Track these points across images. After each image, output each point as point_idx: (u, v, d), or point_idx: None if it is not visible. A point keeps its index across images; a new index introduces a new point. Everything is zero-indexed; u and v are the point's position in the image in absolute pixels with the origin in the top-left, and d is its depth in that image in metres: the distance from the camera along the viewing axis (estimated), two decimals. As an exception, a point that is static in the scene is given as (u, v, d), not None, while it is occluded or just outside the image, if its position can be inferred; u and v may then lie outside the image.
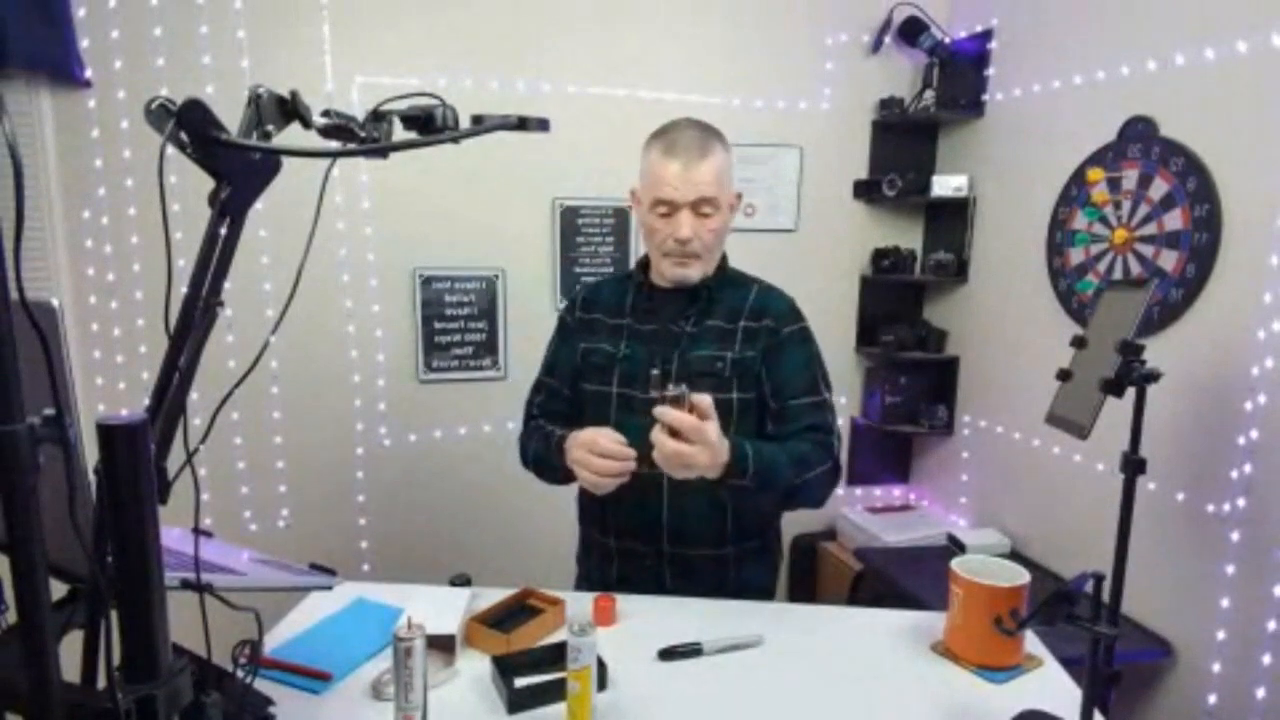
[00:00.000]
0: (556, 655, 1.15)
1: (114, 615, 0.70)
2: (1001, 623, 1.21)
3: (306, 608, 1.43)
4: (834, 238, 3.07)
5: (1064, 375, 1.88)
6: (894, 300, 3.17)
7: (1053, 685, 1.25)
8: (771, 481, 1.35)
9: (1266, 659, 1.86)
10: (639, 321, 1.54)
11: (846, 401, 3.18)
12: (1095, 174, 2.33)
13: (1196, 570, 2.02)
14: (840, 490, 3.10)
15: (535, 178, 2.75)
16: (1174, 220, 2.09)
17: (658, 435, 1.25)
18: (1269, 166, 1.83)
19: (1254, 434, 1.88)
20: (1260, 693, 1.87)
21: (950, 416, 3.04)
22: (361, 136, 0.97)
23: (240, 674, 0.93)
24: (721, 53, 2.87)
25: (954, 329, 3.05)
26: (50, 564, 0.62)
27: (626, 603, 1.44)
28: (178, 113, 0.82)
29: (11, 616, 0.69)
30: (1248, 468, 1.90)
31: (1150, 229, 2.17)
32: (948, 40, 2.91)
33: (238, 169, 0.87)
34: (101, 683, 0.74)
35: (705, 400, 1.25)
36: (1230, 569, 1.94)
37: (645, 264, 1.56)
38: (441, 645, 1.23)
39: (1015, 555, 2.60)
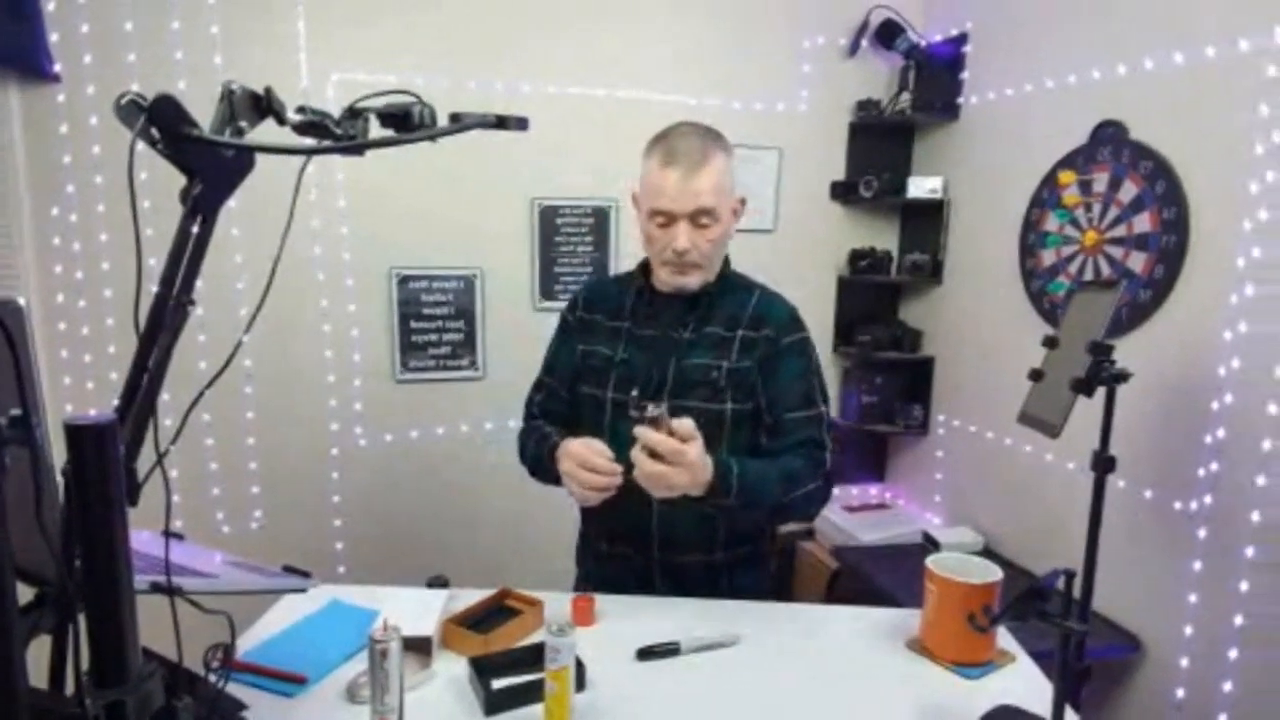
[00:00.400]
0: (535, 656, 1.14)
1: (82, 619, 0.69)
2: (975, 620, 1.22)
3: (281, 610, 1.41)
4: (812, 238, 3.10)
5: (1036, 375, 1.90)
6: (870, 301, 3.20)
7: (1025, 681, 1.27)
8: (757, 500, 1.35)
9: (1233, 654, 1.89)
10: (638, 326, 1.53)
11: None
12: (1067, 176, 2.37)
13: (1165, 567, 2.06)
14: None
15: (514, 177, 2.74)
16: (1143, 223, 2.13)
17: (637, 455, 1.26)
18: (1235, 170, 1.87)
19: (1220, 433, 1.92)
20: (1227, 686, 1.91)
21: (925, 416, 3.07)
22: (337, 134, 0.96)
23: (212, 678, 0.92)
24: (700, 54, 2.88)
25: (929, 329, 3.08)
26: (17, 567, 0.61)
27: (605, 603, 1.43)
28: (149, 108, 0.81)
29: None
30: (1214, 466, 1.94)
31: (1120, 231, 2.20)
32: (923, 44, 2.94)
33: (210, 166, 0.86)
34: (70, 688, 0.73)
35: (686, 424, 1.26)
36: (1197, 565, 1.98)
37: (646, 266, 1.54)
38: (418, 647, 1.23)
39: (989, 552, 2.64)
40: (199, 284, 0.89)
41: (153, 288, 0.87)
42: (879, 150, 3.09)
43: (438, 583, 1.50)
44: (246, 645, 1.28)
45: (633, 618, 1.40)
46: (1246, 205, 1.85)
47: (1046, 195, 2.46)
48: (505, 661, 1.23)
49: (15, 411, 0.61)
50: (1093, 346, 1.62)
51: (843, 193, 3.09)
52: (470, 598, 1.43)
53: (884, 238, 3.17)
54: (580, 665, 1.17)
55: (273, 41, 2.45)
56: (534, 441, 1.55)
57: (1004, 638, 1.37)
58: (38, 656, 0.78)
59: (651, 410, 1.24)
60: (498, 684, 1.16)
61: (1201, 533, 1.97)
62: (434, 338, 2.77)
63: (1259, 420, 1.82)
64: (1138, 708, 2.16)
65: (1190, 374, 1.99)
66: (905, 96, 2.95)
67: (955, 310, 2.94)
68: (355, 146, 0.95)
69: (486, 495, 2.86)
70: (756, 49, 2.93)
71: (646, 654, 1.29)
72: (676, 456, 1.23)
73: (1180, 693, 2.03)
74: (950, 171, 2.92)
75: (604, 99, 2.78)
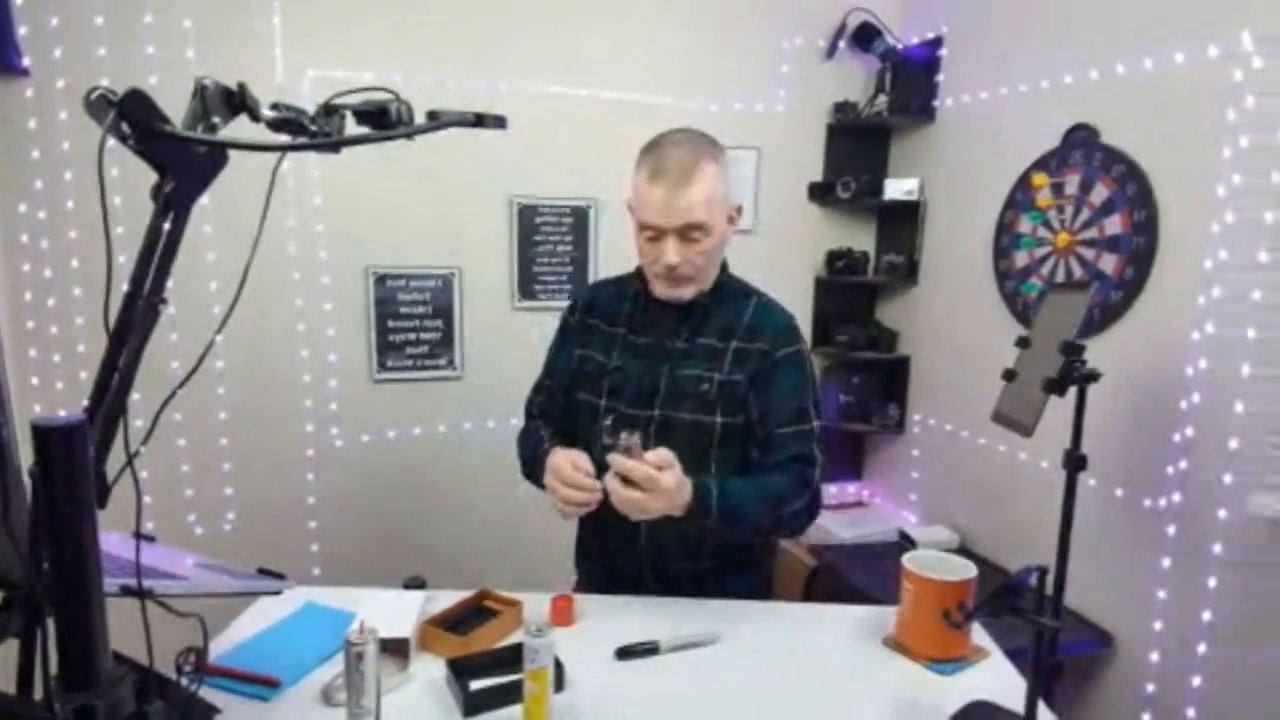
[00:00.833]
0: (513, 657, 1.14)
1: (51, 623, 0.68)
2: (950, 617, 1.24)
3: (255, 613, 1.40)
4: (790, 239, 3.11)
5: (1009, 375, 1.93)
6: (847, 301, 3.22)
7: (999, 676, 1.28)
8: (737, 520, 1.36)
9: (1201, 648, 1.93)
10: (634, 333, 1.52)
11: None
12: (1039, 179, 2.40)
13: (1135, 563, 2.10)
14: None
15: (492, 176, 2.73)
16: (1114, 225, 2.16)
17: (610, 482, 1.26)
18: (1204, 174, 1.91)
19: (1189, 431, 1.96)
20: (1196, 681, 1.95)
21: (901, 415, 3.10)
22: (313, 131, 0.95)
23: (184, 682, 0.90)
24: (680, 53, 2.88)
25: (905, 329, 3.11)
26: (-19, 571, 0.60)
27: (584, 603, 1.43)
28: (119, 103, 0.80)
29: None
30: (1183, 464, 1.97)
31: (1091, 233, 2.24)
32: (900, 46, 2.96)
33: (182, 162, 0.85)
34: (38, 693, 0.72)
35: (662, 453, 1.26)
36: (1166, 562, 2.02)
37: (643, 271, 1.52)
38: (395, 649, 1.22)
39: (964, 550, 2.67)
40: (171, 282, 0.87)
41: (124, 286, 0.86)
42: (856, 152, 3.12)
43: (415, 584, 1.49)
44: (220, 649, 1.26)
45: (612, 618, 1.40)
46: (1214, 208, 1.88)
47: (1020, 197, 2.49)
48: (483, 663, 1.22)
49: (-19, 412, 0.60)
50: (1064, 347, 1.64)
51: (820, 194, 3.11)
52: (448, 599, 1.42)
53: (861, 238, 3.19)
54: (559, 665, 1.17)
55: (247, 37, 2.42)
56: (530, 446, 1.55)
57: (978, 634, 1.38)
58: (5, 660, 0.77)
59: (624, 440, 1.26)
60: (476, 685, 1.16)
61: (1170, 530, 2.01)
62: (411, 337, 2.75)
63: (1226, 419, 1.86)
64: (1109, 702, 2.20)
65: (1159, 374, 2.03)
66: (882, 98, 2.97)
67: (931, 311, 2.97)
68: (331, 144, 0.94)
69: (464, 496, 2.84)
70: (735, 50, 2.94)
71: (625, 653, 1.29)
72: (650, 483, 1.24)
73: (1150, 687, 2.06)
74: (926, 173, 2.95)
75: (584, 98, 2.77)
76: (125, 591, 0.85)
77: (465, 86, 2.62)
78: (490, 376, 2.81)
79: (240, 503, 2.63)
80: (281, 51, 2.45)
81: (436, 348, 2.79)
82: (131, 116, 0.80)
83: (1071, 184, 2.29)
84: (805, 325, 3.16)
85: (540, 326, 2.67)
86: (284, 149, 0.90)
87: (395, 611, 1.31)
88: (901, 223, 3.06)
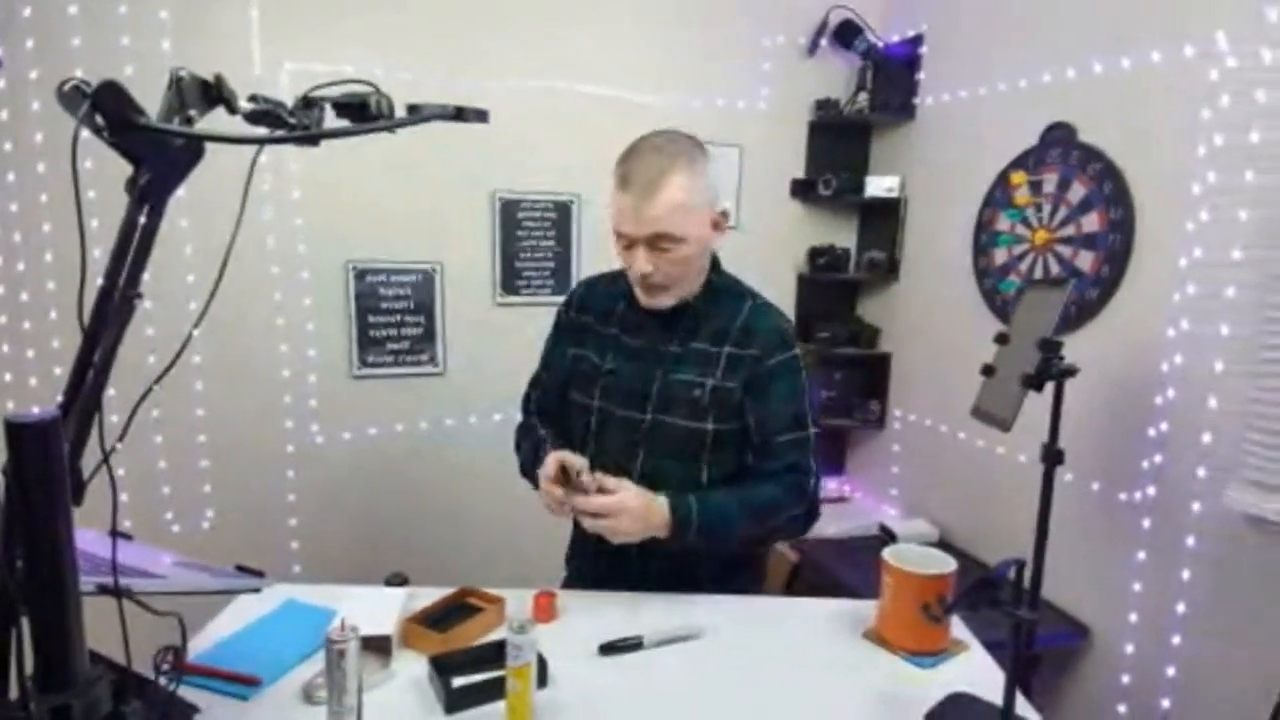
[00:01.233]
0: (496, 653, 1.14)
1: (25, 622, 0.67)
2: (929, 610, 1.25)
3: (234, 611, 1.38)
4: (772, 236, 3.12)
5: (988, 371, 1.95)
6: (830, 298, 3.24)
7: (978, 669, 1.30)
8: (722, 534, 1.38)
9: (1176, 639, 1.96)
10: (626, 334, 1.50)
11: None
12: (1018, 177, 2.42)
13: (1111, 557, 2.13)
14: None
15: (474, 171, 2.71)
16: (1091, 222, 2.19)
17: (580, 519, 1.33)
18: (1179, 172, 1.93)
19: (1164, 426, 1.99)
20: (1170, 671, 1.98)
21: (882, 411, 3.12)
22: (291, 124, 0.94)
23: (163, 681, 0.89)
24: (662, 50, 2.88)
25: (886, 326, 3.13)
26: (-47, 569, 0.59)
27: (567, 599, 1.43)
28: (93, 95, 0.78)
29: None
30: (1158, 458, 2.00)
31: (1069, 230, 2.26)
32: (881, 44, 2.98)
33: (157, 155, 0.83)
34: (13, 693, 0.71)
35: (607, 480, 1.32)
36: (1142, 555, 2.05)
37: None
38: (377, 646, 1.21)
39: (943, 544, 2.69)
40: (147, 276, 0.86)
41: (98, 280, 0.84)
42: (838, 149, 3.13)
43: (396, 581, 1.49)
44: (198, 648, 1.25)
45: (595, 613, 1.40)
46: (1189, 206, 1.91)
47: (999, 195, 2.51)
48: (466, 659, 1.22)
49: (-49, 408, 0.59)
50: (1042, 343, 1.66)
51: (802, 191, 3.12)
52: (430, 596, 1.41)
53: (842, 235, 3.21)
54: (542, 662, 1.17)
55: (224, 29, 2.39)
56: (529, 446, 1.55)
57: (958, 627, 1.40)
58: (-23, 662, 0.75)
59: (585, 478, 1.32)
60: (458, 682, 1.15)
61: (1146, 523, 2.04)
62: (393, 333, 2.74)
63: (1200, 414, 1.89)
64: (1086, 693, 2.23)
65: (1135, 370, 2.06)
66: (863, 96, 2.99)
67: (911, 307, 3.00)
68: (309, 137, 0.93)
69: (447, 493, 2.83)
70: (717, 46, 2.95)
71: (609, 649, 1.29)
72: (615, 508, 1.29)
73: (1125, 678, 2.10)
74: (907, 171, 2.97)
75: (566, 94, 2.77)
76: (102, 590, 0.84)
77: (447, 81, 2.61)
78: (473, 373, 2.80)
79: (219, 500, 2.60)
80: (259, 44, 2.43)
81: (418, 343, 2.77)
82: (106, 108, 0.79)
83: (1049, 182, 2.32)
84: (787, 321, 3.20)
85: (523, 322, 2.67)
86: (262, 142, 0.89)
87: (377, 609, 1.31)
88: (882, 220, 3.08)
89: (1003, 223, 2.50)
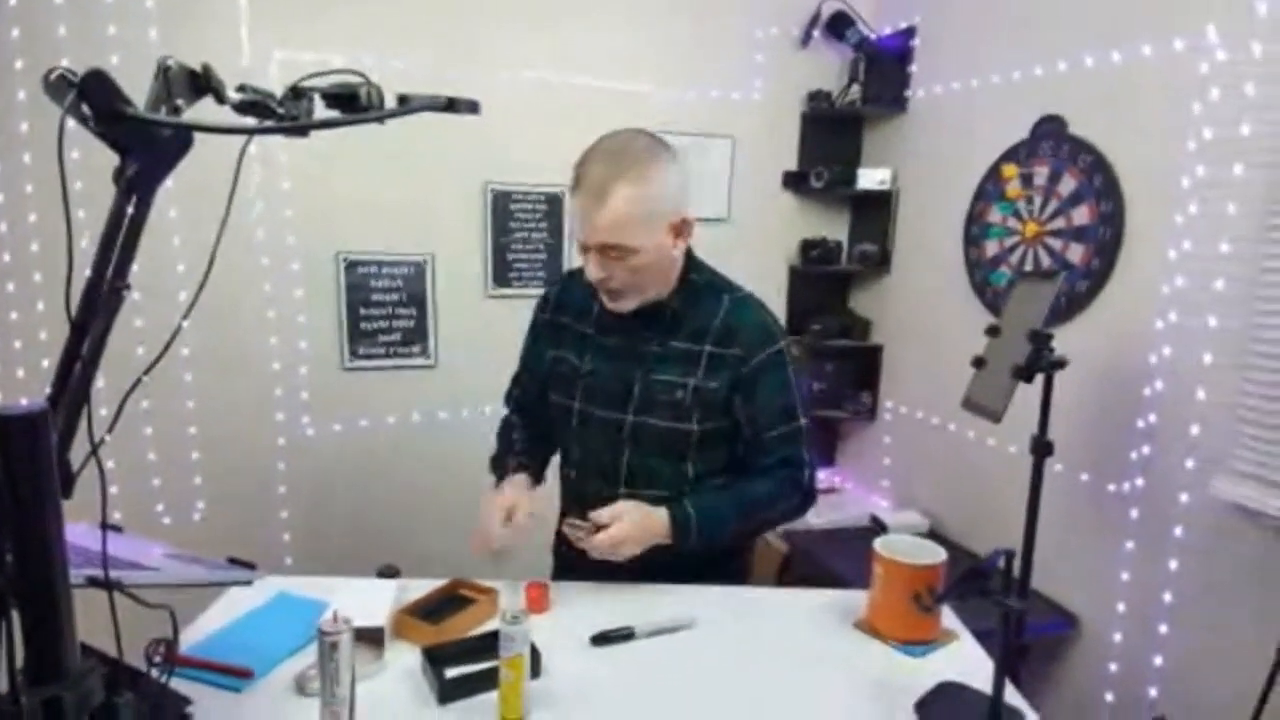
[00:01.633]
0: (489, 644, 1.14)
1: (16, 615, 0.66)
2: (920, 600, 1.26)
3: (225, 604, 1.38)
4: (764, 228, 3.12)
5: (978, 363, 1.96)
6: (822, 290, 3.24)
7: (968, 658, 1.31)
8: (720, 535, 1.42)
9: (1163, 628, 1.98)
10: (602, 334, 1.47)
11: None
12: (1009, 170, 2.43)
13: (1099, 547, 2.14)
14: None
15: (466, 162, 2.70)
16: (1081, 215, 2.20)
17: (589, 552, 1.35)
18: (1169, 166, 1.94)
19: (1152, 418, 2.00)
20: (1157, 660, 2.00)
21: (873, 402, 3.13)
22: (280, 114, 0.93)
23: (155, 673, 0.89)
24: (655, 41, 2.87)
25: (877, 318, 3.14)
26: (-58, 562, 0.59)
27: (560, 590, 1.44)
28: (79, 84, 0.78)
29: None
30: (1146, 449, 2.02)
31: (1059, 223, 2.27)
32: (873, 36, 2.98)
33: (144, 145, 0.82)
34: (3, 686, 0.70)
35: (600, 514, 1.34)
36: (1130, 545, 2.07)
37: None
38: (369, 638, 1.21)
39: (934, 535, 2.71)
40: (135, 267, 0.86)
41: (86, 271, 0.84)
42: (830, 141, 3.13)
43: (388, 572, 1.48)
44: (190, 640, 1.25)
45: (586, 604, 1.40)
46: (1179, 199, 1.92)
47: (990, 188, 2.52)
48: (459, 650, 1.22)
49: (-62, 400, 0.58)
50: (1032, 335, 1.67)
51: (794, 183, 3.12)
52: (422, 588, 1.42)
53: (834, 227, 3.21)
54: (535, 652, 1.17)
55: (212, 17, 2.37)
56: (502, 449, 1.59)
57: (948, 617, 1.41)
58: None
59: (581, 525, 1.36)
60: (451, 673, 1.15)
61: (1134, 513, 2.05)
62: (384, 325, 2.73)
63: (1187, 406, 1.90)
64: (1074, 681, 2.25)
65: (1124, 361, 2.07)
66: (855, 88, 2.99)
67: (903, 300, 3.00)
68: (299, 127, 0.93)
69: (439, 485, 2.82)
70: (710, 37, 2.94)
71: (601, 639, 1.29)
72: (619, 533, 1.32)
73: (1113, 666, 2.12)
74: (899, 163, 2.97)
75: (559, 85, 2.75)
76: (92, 583, 0.84)
77: (438, 71, 2.59)
78: (464, 365, 2.80)
79: (209, 492, 2.59)
80: (248, 33, 2.41)
81: (409, 336, 2.76)
82: (92, 98, 0.78)
83: (1040, 175, 2.32)
84: (780, 314, 3.18)
85: (514, 315, 2.65)
86: (250, 132, 0.89)
87: (369, 600, 1.31)
88: (874, 212, 3.09)
89: (994, 215, 2.51)
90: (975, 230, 2.59)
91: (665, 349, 1.43)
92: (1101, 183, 2.13)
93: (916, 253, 2.92)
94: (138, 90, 0.85)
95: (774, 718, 1.14)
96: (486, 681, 1.12)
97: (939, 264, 2.75)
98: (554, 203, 2.84)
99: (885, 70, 2.93)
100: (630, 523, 1.33)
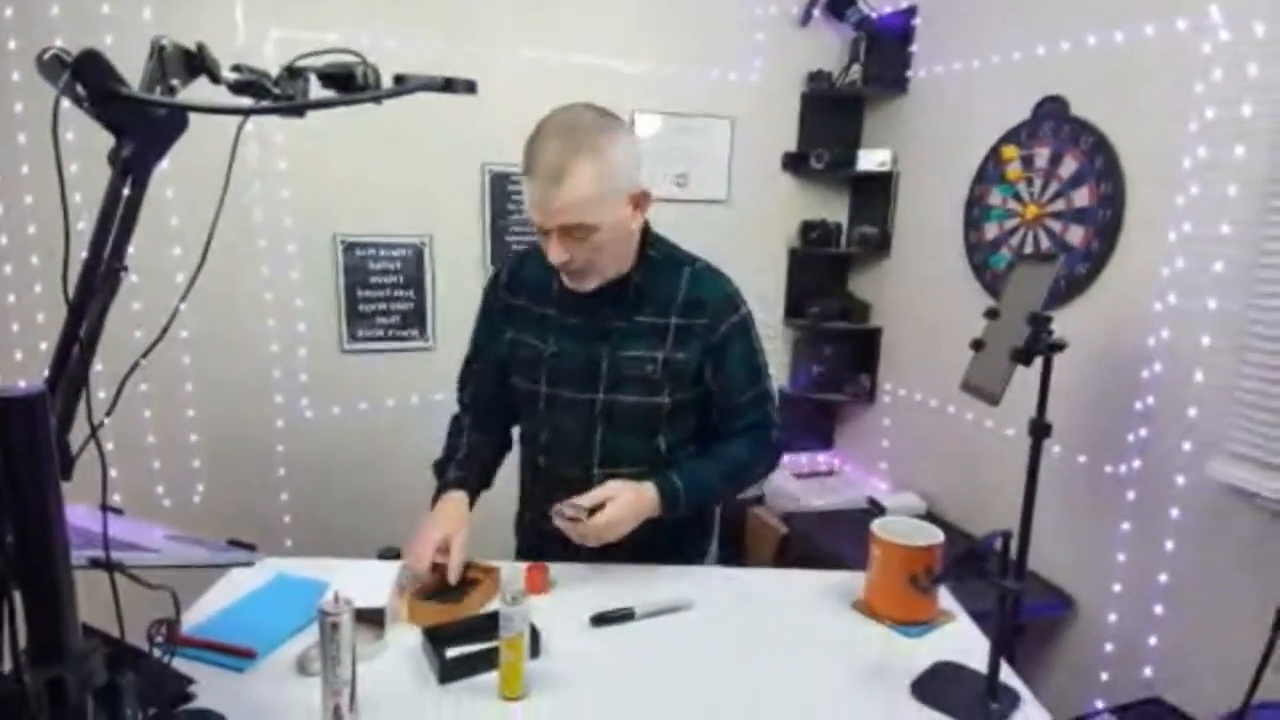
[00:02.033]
0: (489, 625, 1.14)
1: (18, 596, 0.66)
2: (917, 581, 1.27)
3: (226, 585, 1.39)
4: (764, 210, 3.11)
5: (977, 345, 1.96)
6: (821, 273, 3.23)
7: (965, 638, 1.32)
8: (708, 500, 1.51)
9: (1158, 609, 2.00)
10: (566, 315, 1.44)
11: (775, 372, 3.24)
12: (1010, 152, 2.42)
13: (1096, 528, 2.15)
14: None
15: (464, 142, 2.68)
16: (1082, 197, 2.19)
17: (581, 539, 1.34)
18: (1170, 147, 1.93)
19: (1150, 400, 2.00)
20: (1152, 640, 2.01)
21: (872, 385, 3.13)
22: (275, 94, 0.92)
23: (157, 653, 0.90)
24: (653, 19, 2.84)
25: (877, 301, 3.14)
26: (-57, 544, 0.59)
27: (559, 570, 1.44)
28: (73, 64, 0.77)
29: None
30: (1143, 431, 2.02)
31: (1059, 205, 2.26)
32: (874, 15, 2.95)
33: (139, 125, 0.82)
34: (7, 666, 0.71)
35: (594, 496, 1.33)
36: (1126, 526, 2.08)
37: None
38: (371, 618, 1.22)
39: (931, 516, 2.72)
40: (132, 249, 0.85)
41: (83, 253, 0.83)
42: (830, 122, 3.11)
43: (389, 554, 1.49)
44: (191, 621, 1.26)
45: (587, 585, 1.41)
46: (1180, 181, 1.91)
47: (990, 170, 2.51)
48: (460, 630, 1.23)
49: (-63, 382, 0.58)
50: (1031, 318, 1.67)
51: (794, 164, 3.10)
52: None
53: (834, 209, 3.20)
54: (535, 633, 1.18)
55: (207, -4, 2.35)
56: (444, 455, 1.60)
57: (945, 598, 1.42)
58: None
59: (568, 511, 1.32)
60: (452, 653, 1.16)
61: (1130, 495, 2.06)
62: (382, 307, 2.72)
63: (1185, 388, 1.91)
64: (1070, 662, 2.27)
65: (1122, 344, 2.07)
66: (856, 69, 2.96)
67: (902, 282, 3.00)
68: (295, 107, 0.92)
69: (438, 467, 2.83)
70: (709, 16, 2.91)
71: (601, 620, 1.30)
72: (606, 530, 1.32)
73: (1109, 647, 2.13)
74: (899, 145, 2.96)
75: (557, 64, 2.73)
76: (94, 564, 0.84)
77: (435, 51, 2.57)
78: (463, 347, 2.76)
79: (209, 474, 2.60)
80: (243, 12, 2.38)
81: (408, 318, 2.76)
82: (86, 78, 0.77)
83: (1041, 157, 2.31)
84: (779, 297, 3.20)
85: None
86: (246, 112, 0.88)
87: (370, 582, 1.31)
88: (874, 194, 3.07)
89: (994, 197, 2.49)
90: (975, 212, 2.58)
91: (631, 324, 1.41)
92: (1102, 164, 2.12)
93: (916, 235, 2.91)
94: (132, 71, 0.84)
95: (772, 697, 1.15)
96: (487, 661, 1.13)
97: (939, 246, 2.75)
98: (552, 184, 2.82)
99: (886, 50, 2.91)
100: (624, 503, 1.33)
